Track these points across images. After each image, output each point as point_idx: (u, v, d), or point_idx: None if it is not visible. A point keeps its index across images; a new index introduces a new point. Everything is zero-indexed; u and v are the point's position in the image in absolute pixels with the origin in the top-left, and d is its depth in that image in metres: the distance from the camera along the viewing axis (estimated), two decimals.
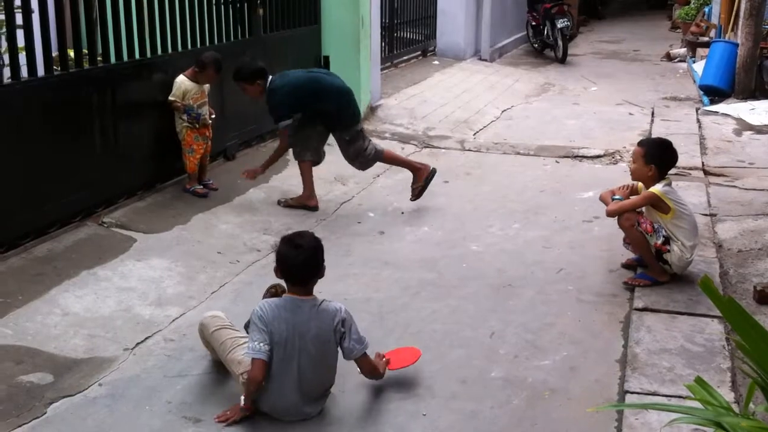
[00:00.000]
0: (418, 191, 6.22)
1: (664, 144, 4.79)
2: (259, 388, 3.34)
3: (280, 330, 3.31)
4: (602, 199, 4.93)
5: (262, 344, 3.29)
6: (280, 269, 3.43)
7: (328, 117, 6.06)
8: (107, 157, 5.47)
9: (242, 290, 4.71)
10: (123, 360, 3.88)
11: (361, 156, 6.24)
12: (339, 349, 3.45)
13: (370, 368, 3.56)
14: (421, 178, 6.24)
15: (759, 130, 8.69)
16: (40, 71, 4.96)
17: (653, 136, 7.99)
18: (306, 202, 6.11)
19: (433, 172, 6.28)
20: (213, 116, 6.06)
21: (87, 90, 5.30)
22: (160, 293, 4.57)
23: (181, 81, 5.86)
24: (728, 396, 3.44)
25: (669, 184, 4.68)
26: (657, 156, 4.67)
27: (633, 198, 4.75)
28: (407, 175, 6.92)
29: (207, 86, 6.03)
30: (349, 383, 3.68)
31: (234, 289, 4.73)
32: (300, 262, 3.38)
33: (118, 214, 5.47)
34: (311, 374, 3.39)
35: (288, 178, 6.74)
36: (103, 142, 5.44)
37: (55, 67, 5.13)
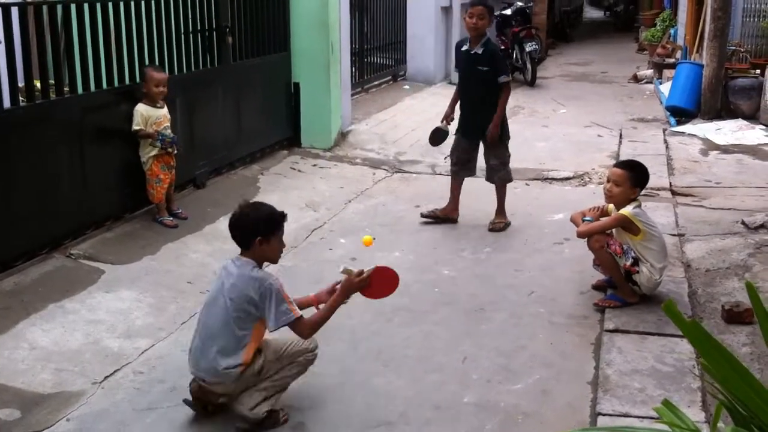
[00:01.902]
0: (498, 227, 6.35)
1: (644, 166, 4.84)
2: None
3: (214, 285, 3.63)
4: (573, 220, 4.97)
5: None
6: None
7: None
8: (74, 187, 5.42)
9: None
10: (91, 394, 3.83)
11: (507, 166, 6.46)
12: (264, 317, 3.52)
13: (306, 329, 3.56)
14: (502, 222, 6.39)
15: (725, 149, 8.82)
16: (6, 103, 4.92)
17: (622, 157, 8.07)
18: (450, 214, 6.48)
19: (508, 225, 6.43)
20: (176, 152, 5.99)
21: (54, 121, 5.26)
22: (129, 325, 4.52)
23: (142, 109, 5.81)
24: (699, 415, 3.47)
25: (639, 206, 4.72)
26: (642, 179, 4.73)
27: (603, 220, 4.79)
28: (378, 201, 6.93)
29: (165, 110, 5.97)
30: (322, 412, 3.66)
31: None
32: (232, 221, 3.65)
33: (85, 245, 5.41)
34: (214, 322, 3.51)
35: None
36: (70, 172, 5.40)
37: (21, 99, 5.09)
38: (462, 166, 6.47)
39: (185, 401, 3.63)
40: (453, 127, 6.52)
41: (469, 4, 6.26)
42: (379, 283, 3.71)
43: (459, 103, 6.47)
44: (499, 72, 6.18)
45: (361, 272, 3.65)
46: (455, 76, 13.26)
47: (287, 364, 3.59)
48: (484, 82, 6.20)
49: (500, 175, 6.37)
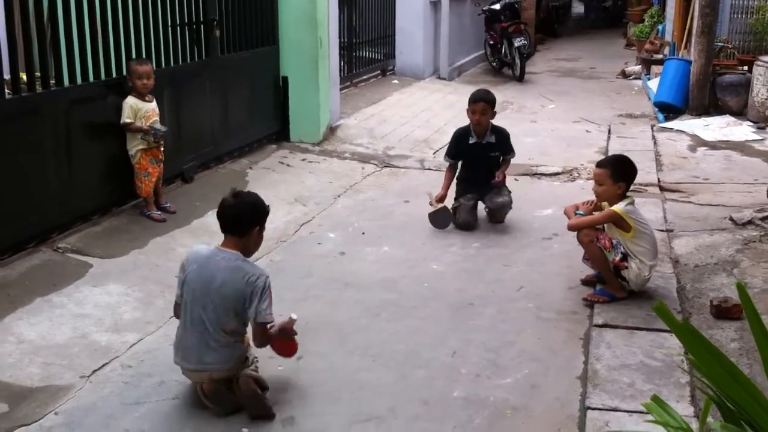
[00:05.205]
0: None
1: (625, 159, 4.85)
2: None
3: (193, 275, 3.55)
4: (566, 213, 4.96)
5: (177, 291, 3.64)
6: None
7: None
8: (61, 181, 5.38)
9: None
10: (79, 388, 3.80)
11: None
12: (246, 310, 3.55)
13: (263, 338, 3.61)
14: None
15: (713, 145, 8.85)
16: None
17: (610, 152, 8.09)
18: None
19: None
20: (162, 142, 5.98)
21: (40, 114, 5.21)
22: (116, 319, 4.49)
23: (132, 101, 5.77)
24: (688, 410, 3.48)
25: (632, 203, 4.72)
26: (623, 173, 4.72)
27: (595, 214, 4.79)
28: (367, 196, 6.93)
29: (155, 104, 5.94)
30: (311, 407, 3.65)
31: None
32: (231, 208, 3.57)
33: (73, 239, 5.37)
34: (210, 323, 3.51)
35: None
36: (57, 166, 5.35)
37: (7, 91, 5.04)
38: (470, 226, 6.24)
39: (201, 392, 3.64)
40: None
41: (470, 100, 6.25)
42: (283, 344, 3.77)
43: (458, 183, 6.40)
44: (509, 151, 6.37)
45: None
46: (444, 71, 13.41)
47: None
48: (493, 163, 6.31)
49: (508, 209, 6.31)
